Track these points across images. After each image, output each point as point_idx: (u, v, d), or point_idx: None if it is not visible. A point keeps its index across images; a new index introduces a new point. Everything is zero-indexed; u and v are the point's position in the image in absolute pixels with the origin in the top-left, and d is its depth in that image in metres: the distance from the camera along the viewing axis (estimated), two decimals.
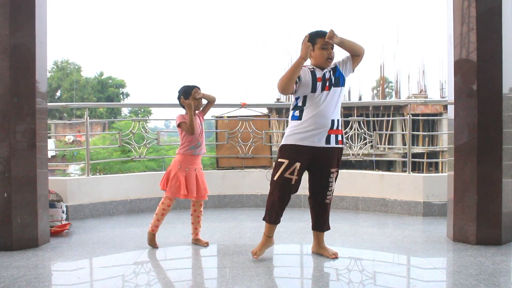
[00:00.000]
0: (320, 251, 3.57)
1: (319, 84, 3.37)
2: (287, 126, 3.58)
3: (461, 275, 3.03)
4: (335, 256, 3.49)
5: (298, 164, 3.33)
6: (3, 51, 3.70)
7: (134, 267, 3.31)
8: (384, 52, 67.00)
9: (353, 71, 3.57)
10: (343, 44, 3.43)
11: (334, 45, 3.43)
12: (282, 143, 3.44)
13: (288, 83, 3.30)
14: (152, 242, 3.85)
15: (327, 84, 3.39)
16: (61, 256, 3.63)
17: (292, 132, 3.38)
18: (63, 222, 4.48)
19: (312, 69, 3.42)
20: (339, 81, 3.45)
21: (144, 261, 3.48)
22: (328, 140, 3.37)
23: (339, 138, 3.45)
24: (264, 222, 3.53)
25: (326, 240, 3.80)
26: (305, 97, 3.39)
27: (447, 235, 4.06)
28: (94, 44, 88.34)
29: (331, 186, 3.48)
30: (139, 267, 3.32)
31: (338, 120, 3.44)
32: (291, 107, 3.51)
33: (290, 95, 3.61)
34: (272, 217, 3.45)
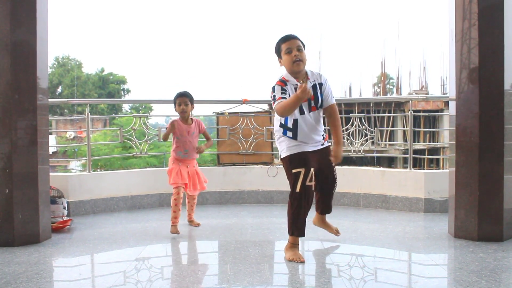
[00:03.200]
0: (323, 226, 3.83)
1: (305, 105, 3.34)
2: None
3: (462, 271, 3.03)
4: (338, 234, 3.83)
5: (312, 170, 3.29)
6: (4, 47, 3.69)
7: (136, 263, 3.31)
8: (385, 47, 66.89)
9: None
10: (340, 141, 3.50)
11: (303, 47, 3.34)
12: (288, 153, 3.36)
13: (288, 113, 3.26)
14: (173, 231, 4.09)
15: (313, 105, 3.39)
16: (63, 252, 3.63)
17: (293, 144, 3.37)
18: (65, 218, 4.48)
19: (296, 86, 3.27)
20: (323, 103, 3.43)
21: (145, 257, 3.48)
22: (322, 144, 3.53)
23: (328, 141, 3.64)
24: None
25: (327, 236, 3.89)
26: (295, 120, 3.36)
27: (448, 232, 4.06)
28: (95, 40, 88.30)
29: (336, 179, 3.63)
30: (141, 263, 3.32)
31: (323, 133, 3.55)
32: (279, 123, 3.44)
33: None
34: (301, 230, 3.33)
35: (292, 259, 3.25)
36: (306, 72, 3.41)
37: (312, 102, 3.37)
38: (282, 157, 3.44)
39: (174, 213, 4.10)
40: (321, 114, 3.52)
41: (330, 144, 3.63)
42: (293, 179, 3.28)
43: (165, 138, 4.34)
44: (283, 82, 3.33)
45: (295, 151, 3.34)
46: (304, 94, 3.01)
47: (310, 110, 3.38)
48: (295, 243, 3.34)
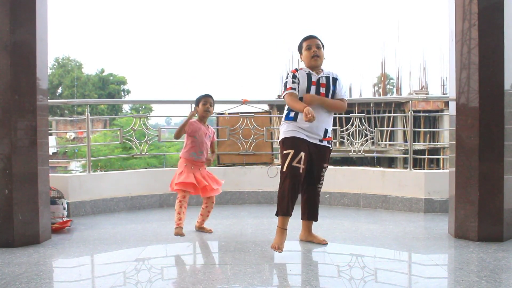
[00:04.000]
0: (310, 238, 3.84)
1: (313, 88, 3.63)
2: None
3: (462, 271, 3.03)
4: (325, 242, 3.76)
5: (303, 154, 3.52)
6: (4, 48, 3.69)
7: (136, 263, 3.31)
8: (385, 48, 66.86)
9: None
10: (324, 104, 3.62)
11: (321, 46, 3.72)
12: (282, 137, 3.64)
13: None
14: (177, 233, 3.95)
15: (323, 91, 3.64)
16: (62, 253, 3.63)
17: (290, 129, 3.62)
18: (64, 219, 4.48)
19: (308, 72, 3.67)
20: (334, 95, 3.71)
21: (145, 258, 3.48)
22: (320, 140, 3.67)
23: (329, 142, 3.76)
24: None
25: (327, 236, 3.91)
26: (300, 99, 3.60)
27: (448, 232, 4.05)
28: (95, 41, 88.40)
29: (323, 179, 3.77)
30: (140, 263, 3.32)
31: (329, 129, 3.71)
32: (286, 106, 3.72)
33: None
34: (284, 208, 3.52)
35: (271, 246, 3.49)
36: (322, 69, 3.72)
37: (323, 89, 3.64)
38: (278, 140, 3.71)
39: (178, 214, 3.99)
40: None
41: (330, 146, 3.75)
42: (283, 159, 3.56)
43: (179, 134, 4.15)
44: (296, 70, 3.69)
45: (288, 135, 3.59)
46: (306, 116, 3.29)
47: (318, 93, 3.62)
48: (282, 226, 3.54)
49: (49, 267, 3.30)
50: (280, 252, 3.45)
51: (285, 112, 3.72)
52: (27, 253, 3.55)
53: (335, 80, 3.73)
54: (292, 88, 3.58)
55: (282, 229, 3.55)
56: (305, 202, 3.82)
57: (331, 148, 3.78)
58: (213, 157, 4.42)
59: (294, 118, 3.60)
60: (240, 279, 2.92)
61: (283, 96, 3.64)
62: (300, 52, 3.78)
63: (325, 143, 3.68)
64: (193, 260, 3.60)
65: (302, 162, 3.49)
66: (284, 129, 3.64)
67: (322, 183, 3.79)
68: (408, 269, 3.29)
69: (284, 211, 3.52)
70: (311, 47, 3.67)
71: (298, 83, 3.61)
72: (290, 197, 3.49)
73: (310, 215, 3.82)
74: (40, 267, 3.20)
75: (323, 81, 3.65)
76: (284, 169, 3.51)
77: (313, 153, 3.63)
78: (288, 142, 3.57)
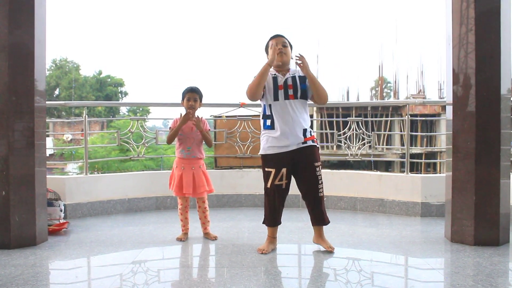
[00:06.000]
0: (319, 242, 3.73)
1: (280, 92, 3.53)
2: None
3: (458, 275, 3.03)
4: (330, 250, 3.63)
5: (284, 170, 3.54)
6: (2, 49, 3.69)
7: (132, 266, 3.30)
8: (383, 52, 67.02)
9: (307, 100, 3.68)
10: (310, 79, 3.55)
11: (288, 45, 3.64)
12: (262, 153, 3.62)
13: (256, 90, 3.48)
14: (179, 238, 4.07)
15: (291, 93, 3.53)
16: (59, 255, 3.62)
17: (269, 144, 3.57)
18: (61, 221, 4.47)
19: (274, 75, 3.58)
20: (306, 94, 3.59)
21: (142, 260, 3.47)
22: (303, 142, 3.56)
23: (313, 141, 3.64)
24: (264, 225, 3.75)
25: None
26: (270, 106, 3.56)
27: (445, 236, 4.06)
28: (93, 42, 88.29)
29: (320, 179, 3.61)
30: (137, 266, 3.32)
31: (308, 129, 3.60)
32: (261, 115, 3.67)
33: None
34: (271, 221, 3.68)
35: (258, 249, 3.64)
36: (288, 68, 3.64)
37: (290, 90, 3.53)
38: (259, 153, 3.69)
39: (181, 221, 4.15)
40: (305, 107, 3.62)
41: (315, 144, 3.63)
42: (265, 176, 3.62)
43: (171, 138, 4.09)
44: None
45: (269, 152, 3.57)
46: (273, 53, 3.50)
47: (286, 97, 3.51)
48: (271, 235, 3.71)
49: (46, 269, 3.29)
50: (266, 253, 3.58)
51: (262, 120, 3.63)
52: (24, 255, 3.54)
53: (304, 78, 3.58)
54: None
55: (272, 238, 3.72)
56: (310, 208, 3.68)
57: (317, 146, 3.65)
58: (205, 129, 4.14)
59: (271, 126, 3.53)
60: (236, 282, 2.92)
61: (246, 89, 3.51)
62: (267, 52, 3.69)
63: (309, 142, 3.57)
64: (190, 263, 3.60)
65: (284, 178, 3.55)
66: (264, 144, 3.60)
67: (321, 185, 3.60)
68: (404, 273, 3.30)
69: (271, 223, 3.69)
70: (277, 45, 3.58)
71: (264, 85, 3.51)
72: (275, 211, 3.64)
73: (315, 220, 3.68)
74: (36, 269, 3.19)
75: (290, 82, 3.53)
76: (269, 186, 3.58)
77: (300, 158, 3.53)
78: (268, 160, 3.58)
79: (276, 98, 3.51)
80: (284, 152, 3.52)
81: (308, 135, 3.57)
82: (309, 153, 3.57)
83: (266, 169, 3.59)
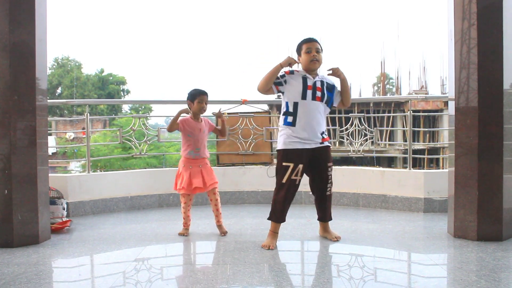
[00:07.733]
0: (324, 234, 3.93)
1: (309, 92, 3.64)
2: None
3: (462, 271, 3.03)
4: (337, 239, 3.84)
5: (301, 166, 3.63)
6: (3, 48, 3.69)
7: (135, 263, 3.31)
8: (385, 48, 66.91)
9: (331, 108, 3.85)
10: (343, 85, 3.78)
11: (321, 50, 3.72)
12: (282, 147, 3.68)
13: (266, 86, 3.64)
14: (180, 233, 4.15)
15: (319, 95, 3.67)
16: (62, 253, 3.63)
17: (289, 140, 3.65)
18: (64, 219, 4.48)
19: (304, 76, 3.69)
20: (330, 101, 3.76)
21: (145, 258, 3.48)
22: (321, 143, 3.72)
23: (329, 142, 3.85)
24: (267, 220, 3.77)
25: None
26: (296, 104, 3.65)
27: (447, 231, 4.06)
28: (94, 41, 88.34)
29: (331, 179, 3.81)
30: (140, 263, 3.32)
31: (325, 131, 3.79)
32: (282, 110, 3.76)
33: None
34: (279, 217, 3.71)
35: (263, 245, 3.64)
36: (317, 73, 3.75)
37: (318, 93, 3.66)
38: (277, 148, 3.75)
39: (184, 219, 4.18)
40: (326, 112, 3.77)
41: (329, 145, 3.79)
42: (282, 170, 3.64)
43: (171, 127, 4.14)
44: (289, 72, 3.72)
45: (289, 147, 3.64)
46: (288, 59, 3.62)
47: (313, 98, 3.63)
48: (274, 230, 3.72)
49: (49, 267, 3.30)
50: (272, 249, 3.59)
51: (282, 116, 3.74)
52: (27, 253, 3.55)
53: (332, 87, 3.79)
54: (276, 83, 3.67)
55: (274, 233, 3.73)
56: (317, 204, 3.91)
57: (330, 146, 3.83)
58: (223, 122, 4.48)
59: (292, 123, 3.64)
60: (239, 278, 2.92)
61: (258, 83, 3.65)
62: (299, 54, 3.77)
63: (325, 143, 3.75)
64: (192, 260, 3.60)
65: (299, 174, 3.63)
66: (284, 139, 3.67)
67: (331, 184, 3.82)
68: (407, 269, 3.29)
69: (278, 219, 3.71)
70: (311, 51, 3.67)
71: (282, 83, 3.66)
72: (285, 206, 3.68)
73: (321, 217, 3.92)
74: (39, 267, 3.20)
75: (319, 85, 3.68)
76: (284, 181, 3.62)
77: (316, 156, 3.69)
78: (288, 155, 3.63)
79: (304, 97, 3.62)
80: (303, 148, 3.63)
81: (324, 136, 3.74)
82: (325, 153, 3.74)
83: (284, 163, 3.63)
